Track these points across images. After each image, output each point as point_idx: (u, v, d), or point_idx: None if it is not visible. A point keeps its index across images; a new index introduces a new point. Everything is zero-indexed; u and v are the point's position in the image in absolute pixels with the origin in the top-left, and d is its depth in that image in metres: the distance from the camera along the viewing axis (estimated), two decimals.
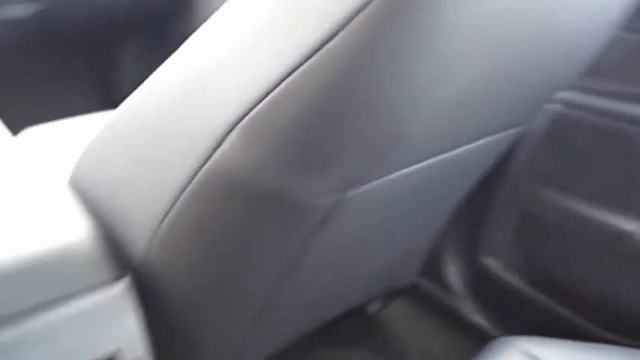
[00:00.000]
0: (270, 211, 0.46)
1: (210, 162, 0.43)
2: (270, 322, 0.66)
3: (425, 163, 0.58)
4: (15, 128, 0.75)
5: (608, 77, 0.80)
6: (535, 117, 0.75)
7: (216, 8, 0.47)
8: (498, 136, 0.67)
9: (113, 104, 0.60)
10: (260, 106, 0.40)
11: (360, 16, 0.38)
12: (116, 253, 0.51)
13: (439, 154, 0.59)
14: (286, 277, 0.60)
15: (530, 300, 0.92)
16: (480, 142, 0.65)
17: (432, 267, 1.03)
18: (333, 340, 0.99)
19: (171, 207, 0.48)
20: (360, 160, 0.46)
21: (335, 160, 0.44)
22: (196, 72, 0.45)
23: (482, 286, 0.99)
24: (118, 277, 0.50)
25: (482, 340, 0.72)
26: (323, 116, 0.40)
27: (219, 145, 0.42)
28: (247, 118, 0.40)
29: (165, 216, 0.48)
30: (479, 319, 0.99)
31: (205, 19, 0.48)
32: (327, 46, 0.39)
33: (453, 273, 1.02)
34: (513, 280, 0.94)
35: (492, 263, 0.96)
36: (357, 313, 1.00)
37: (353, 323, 1.00)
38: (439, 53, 0.42)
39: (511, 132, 0.69)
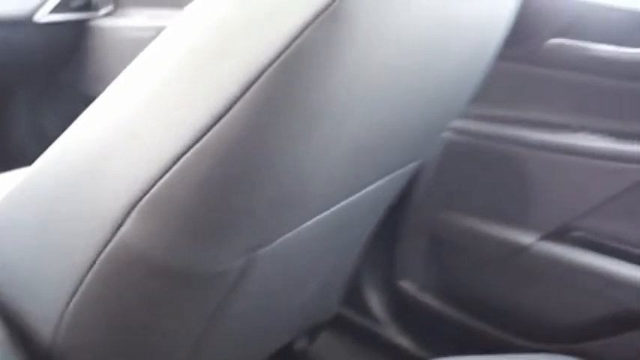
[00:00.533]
0: (179, 284, 0.45)
1: (113, 242, 0.42)
2: None
3: (334, 209, 0.60)
4: None
5: (488, 103, 0.86)
6: (432, 148, 0.79)
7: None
8: (401, 170, 0.71)
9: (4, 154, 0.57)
10: (159, 184, 0.40)
11: (255, 86, 0.39)
12: (20, 344, 0.49)
13: (346, 197, 0.61)
14: (205, 335, 0.59)
15: (448, 317, 0.96)
16: (384, 180, 0.67)
17: (353, 295, 1.05)
18: None
19: (78, 289, 0.46)
20: (265, 220, 0.47)
21: (240, 225, 0.45)
22: (92, 151, 0.44)
23: (403, 309, 1.03)
24: None
25: None
26: (224, 187, 0.41)
27: (120, 225, 0.41)
28: (146, 197, 0.40)
29: (72, 299, 0.46)
30: (403, 341, 1.02)
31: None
32: (224, 119, 0.39)
33: (374, 299, 1.04)
34: (430, 300, 0.98)
35: (409, 286, 0.99)
36: (285, 352, 1.00)
37: None
38: (338, 107, 0.43)
39: (414, 164, 0.73)
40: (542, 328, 0.90)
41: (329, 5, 0.38)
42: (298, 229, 0.55)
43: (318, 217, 0.58)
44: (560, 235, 0.85)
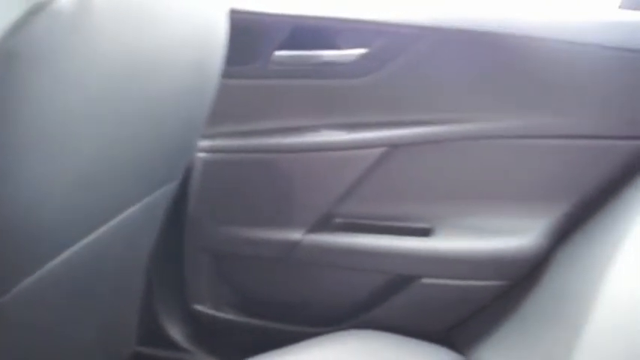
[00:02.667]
0: None
1: None
2: None
3: (83, 242, 0.59)
4: None
5: (234, 119, 0.92)
6: (182, 169, 0.81)
7: None
8: (155, 195, 0.72)
9: None
10: None
11: None
12: None
13: (95, 228, 0.60)
14: None
15: (246, 326, 1.00)
16: (138, 206, 0.68)
17: (152, 331, 1.03)
18: None
19: None
20: None
21: None
22: None
23: (203, 331, 1.04)
24: None
25: None
26: None
27: None
28: None
29: None
30: None
31: None
32: None
33: (173, 329, 1.04)
34: (226, 315, 1.00)
35: (203, 307, 1.01)
36: None
37: None
38: (51, 137, 0.43)
39: (166, 188, 0.75)
40: (332, 311, 0.98)
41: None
42: (42, 270, 0.53)
43: (64, 255, 0.56)
44: (324, 224, 0.93)
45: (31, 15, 0.39)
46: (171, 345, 1.05)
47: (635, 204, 0.81)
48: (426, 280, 0.90)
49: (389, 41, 0.87)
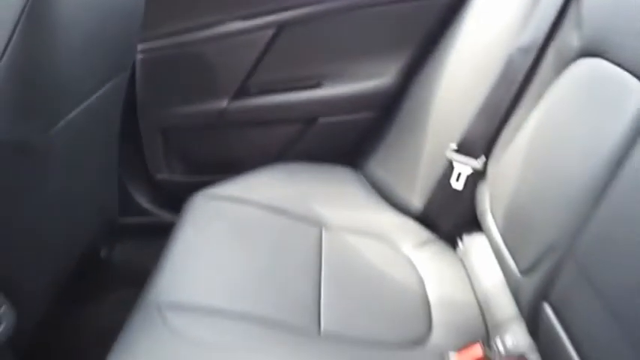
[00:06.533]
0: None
1: None
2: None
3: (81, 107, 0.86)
4: None
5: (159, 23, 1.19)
6: (128, 65, 1.07)
7: None
8: (112, 82, 0.98)
9: None
10: None
11: None
12: None
13: (84, 100, 0.87)
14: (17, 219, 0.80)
15: (198, 184, 1.32)
16: (101, 91, 0.93)
17: (122, 202, 1.30)
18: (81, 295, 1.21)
19: None
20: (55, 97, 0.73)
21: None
22: None
23: (165, 195, 1.34)
24: None
25: None
26: None
27: None
28: None
29: None
30: None
31: None
32: None
33: (141, 198, 1.33)
34: (181, 178, 1.31)
35: (162, 175, 1.31)
36: (94, 260, 1.25)
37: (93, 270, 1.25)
38: None
39: (119, 78, 1.01)
40: (259, 158, 1.31)
41: None
42: (68, 117, 0.80)
43: (71, 114, 0.83)
44: (240, 93, 1.25)
45: None
46: (140, 211, 1.35)
47: (452, 46, 1.15)
48: (322, 120, 1.26)
49: None
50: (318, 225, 1.03)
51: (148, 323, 0.74)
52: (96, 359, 0.72)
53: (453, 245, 1.11)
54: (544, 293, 0.72)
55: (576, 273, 0.67)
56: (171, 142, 1.29)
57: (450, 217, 1.10)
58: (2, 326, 0.72)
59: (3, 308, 0.73)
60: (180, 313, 0.75)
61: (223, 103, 1.24)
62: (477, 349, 0.78)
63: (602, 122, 0.70)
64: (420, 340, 0.85)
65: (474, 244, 1.06)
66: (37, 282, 0.88)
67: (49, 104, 0.74)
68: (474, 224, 1.05)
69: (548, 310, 0.71)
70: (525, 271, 0.79)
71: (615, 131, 0.66)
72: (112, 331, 0.75)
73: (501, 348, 0.82)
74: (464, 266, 1.04)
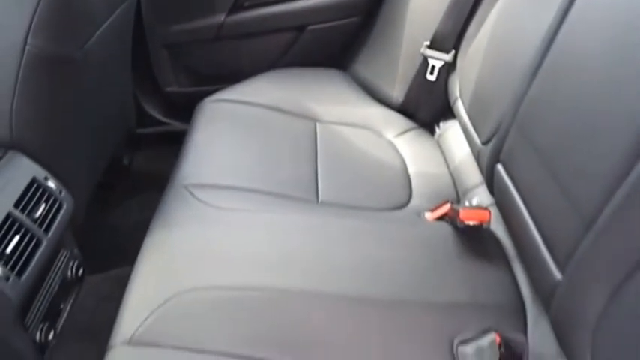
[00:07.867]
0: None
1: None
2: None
3: (104, 26, 1.01)
4: None
5: None
6: None
7: None
8: (123, 6, 1.11)
9: None
10: None
11: None
12: None
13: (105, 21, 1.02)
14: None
15: (204, 93, 1.46)
16: (116, 14, 1.08)
17: (138, 114, 1.45)
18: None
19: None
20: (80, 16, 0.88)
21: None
22: None
23: (175, 106, 1.49)
24: None
25: None
26: None
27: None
28: None
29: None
30: None
31: None
32: None
33: (154, 110, 1.48)
34: (189, 89, 1.46)
35: (171, 88, 1.46)
36: (117, 167, 1.41)
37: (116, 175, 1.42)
38: None
39: (127, 2, 1.14)
40: (257, 67, 1.45)
41: None
42: (96, 35, 0.95)
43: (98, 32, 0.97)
44: (237, 8, 1.36)
45: None
46: (155, 122, 1.50)
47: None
48: (310, 27, 1.39)
49: None
50: (312, 119, 1.20)
51: (180, 198, 0.92)
52: (138, 240, 0.86)
53: (432, 132, 1.28)
54: (497, 156, 0.89)
55: (519, 134, 0.83)
56: (177, 58, 1.43)
57: (427, 107, 1.26)
58: (64, 209, 0.89)
59: (63, 193, 0.90)
60: (203, 190, 0.94)
61: (220, 18, 1.36)
62: (446, 206, 0.97)
63: (541, 10, 0.85)
64: (402, 205, 1.03)
65: (448, 129, 1.23)
66: (82, 176, 1.04)
67: (82, 25, 0.89)
68: (449, 113, 1.22)
69: (500, 169, 0.88)
70: (485, 142, 0.96)
71: (549, 15, 0.81)
72: (142, 223, 0.89)
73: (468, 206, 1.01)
74: (439, 147, 1.22)
